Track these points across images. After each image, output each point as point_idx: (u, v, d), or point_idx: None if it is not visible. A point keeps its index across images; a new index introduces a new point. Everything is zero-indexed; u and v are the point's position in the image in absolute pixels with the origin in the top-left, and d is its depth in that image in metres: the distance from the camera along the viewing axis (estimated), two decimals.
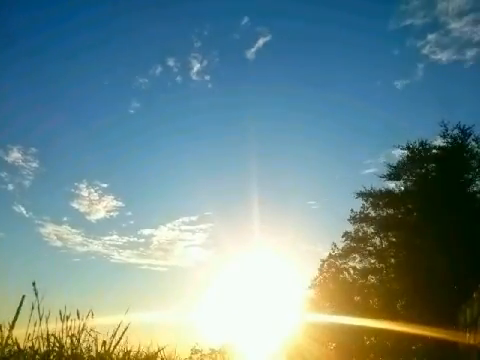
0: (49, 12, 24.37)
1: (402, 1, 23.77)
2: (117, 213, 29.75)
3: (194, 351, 14.84)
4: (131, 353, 4.69)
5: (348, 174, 28.27)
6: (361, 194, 18.88)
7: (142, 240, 30.43)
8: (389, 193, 18.07)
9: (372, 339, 19.11)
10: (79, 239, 29.65)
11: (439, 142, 16.74)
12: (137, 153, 31.99)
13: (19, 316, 3.87)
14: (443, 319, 12.22)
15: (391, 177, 17.91)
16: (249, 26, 25.45)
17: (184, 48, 27.71)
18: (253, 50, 25.62)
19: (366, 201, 19.13)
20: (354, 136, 28.89)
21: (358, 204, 19.19)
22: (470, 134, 16.30)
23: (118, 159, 32.59)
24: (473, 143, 16.35)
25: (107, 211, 29.44)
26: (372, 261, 19.70)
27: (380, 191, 18.24)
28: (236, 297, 20.20)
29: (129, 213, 30.36)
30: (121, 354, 4.56)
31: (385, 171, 17.92)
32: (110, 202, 29.34)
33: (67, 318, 4.20)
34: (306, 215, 28.22)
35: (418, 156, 17.20)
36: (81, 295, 22.77)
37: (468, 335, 9.72)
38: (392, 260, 18.81)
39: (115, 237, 29.89)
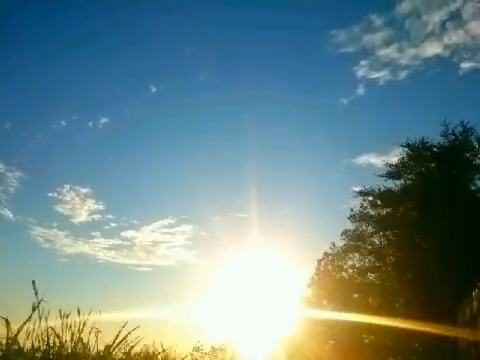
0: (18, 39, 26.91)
1: (331, 35, 26.68)
2: (99, 216, 31.57)
3: (196, 348, 14.79)
4: (132, 352, 4.67)
5: (314, 180, 31.70)
6: (360, 193, 18.87)
7: (125, 242, 32.22)
8: (388, 192, 18.05)
9: (371, 338, 19.15)
10: (65, 241, 31.35)
11: (440, 140, 16.78)
12: (112, 161, 35.26)
13: (19, 314, 3.87)
14: (442, 317, 12.24)
15: (391, 176, 17.89)
16: (195, 54, 29.30)
17: (139, 74, 31.45)
18: (203, 77, 29.48)
19: (365, 200, 19.13)
20: (312, 146, 32.12)
21: (338, 205, 19.89)
22: (472, 132, 16.30)
23: (95, 166, 35.57)
24: (474, 142, 16.36)
25: (89, 214, 31.13)
26: (371, 259, 19.72)
27: (379, 190, 18.23)
28: (231, 296, 20.36)
29: (110, 216, 32.04)
30: (122, 353, 4.54)
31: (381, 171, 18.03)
32: (91, 206, 31.12)
33: (67, 316, 4.18)
34: (286, 216, 30.48)
35: (418, 155, 17.18)
36: (73, 294, 23.30)
37: (467, 333, 9.74)
38: (391, 258, 18.82)
39: (100, 239, 31.66)
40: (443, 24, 24.26)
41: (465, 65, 23.82)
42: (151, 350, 5.11)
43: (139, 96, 32.24)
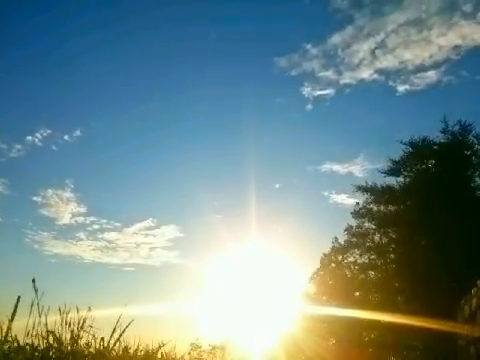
0: None
1: (273, 63, 29.00)
2: (81, 218, 32.89)
3: (194, 347, 14.79)
4: (130, 349, 4.68)
5: (285, 184, 33.46)
6: (361, 188, 18.84)
7: (110, 244, 33.32)
8: (389, 189, 18.04)
9: (371, 335, 19.19)
10: (53, 242, 32.60)
11: (440, 138, 16.77)
12: (91, 165, 36.48)
13: (19, 313, 3.90)
14: (442, 314, 12.24)
15: (391, 173, 17.87)
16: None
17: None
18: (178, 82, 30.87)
19: (369, 196, 19.11)
20: (276, 154, 34.39)
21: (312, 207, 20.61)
22: (471, 130, 16.28)
23: (76, 171, 36.71)
24: (474, 139, 16.35)
25: (71, 217, 32.42)
26: (372, 257, 19.74)
27: (381, 187, 18.22)
28: (221, 294, 20.56)
29: (92, 218, 33.12)
30: (120, 350, 4.57)
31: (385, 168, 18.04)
32: (74, 209, 32.41)
33: (66, 314, 4.21)
34: (262, 216, 30.74)
35: (419, 152, 17.16)
36: (64, 293, 23.65)
37: (466, 330, 9.75)
38: (392, 256, 18.83)
39: (85, 241, 33.03)
40: (372, 52, 26.72)
41: (401, 88, 26.69)
42: (149, 347, 5.14)
43: (116, 102, 34.20)
